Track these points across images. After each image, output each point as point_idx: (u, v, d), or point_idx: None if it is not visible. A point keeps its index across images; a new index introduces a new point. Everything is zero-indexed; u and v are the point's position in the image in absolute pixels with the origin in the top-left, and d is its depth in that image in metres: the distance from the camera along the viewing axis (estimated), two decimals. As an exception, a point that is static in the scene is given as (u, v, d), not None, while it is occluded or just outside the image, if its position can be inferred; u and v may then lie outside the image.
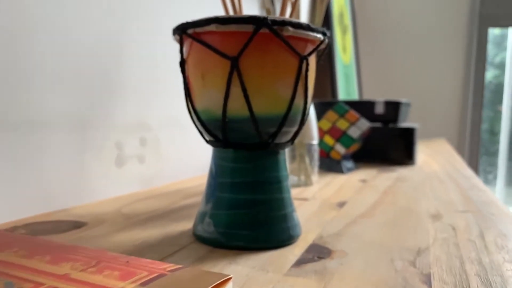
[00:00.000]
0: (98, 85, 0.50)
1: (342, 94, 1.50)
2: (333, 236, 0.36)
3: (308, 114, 0.35)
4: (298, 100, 0.32)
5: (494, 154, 2.06)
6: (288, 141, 0.34)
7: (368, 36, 1.97)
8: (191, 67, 0.32)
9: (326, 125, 0.79)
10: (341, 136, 0.77)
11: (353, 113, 0.78)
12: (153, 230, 0.37)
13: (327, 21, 1.47)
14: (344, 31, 1.67)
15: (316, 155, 0.64)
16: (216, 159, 0.34)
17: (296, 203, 0.49)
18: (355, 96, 1.70)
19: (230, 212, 0.32)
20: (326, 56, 1.61)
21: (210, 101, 0.31)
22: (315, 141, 0.63)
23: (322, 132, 0.79)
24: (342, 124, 0.78)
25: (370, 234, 0.37)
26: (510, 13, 1.86)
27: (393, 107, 0.92)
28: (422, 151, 1.19)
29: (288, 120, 0.32)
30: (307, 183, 0.62)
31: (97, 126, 0.51)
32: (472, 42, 1.86)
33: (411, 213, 0.45)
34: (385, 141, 0.90)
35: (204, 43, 0.30)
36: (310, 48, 0.32)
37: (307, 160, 0.62)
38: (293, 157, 0.62)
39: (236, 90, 0.30)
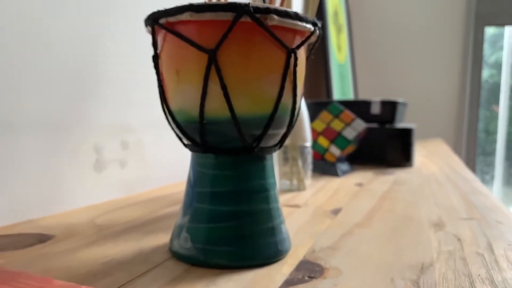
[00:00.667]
0: (73, 83, 0.46)
1: (337, 94, 1.46)
2: (326, 251, 0.32)
3: (297, 114, 0.31)
4: (286, 99, 0.28)
5: (491, 154, 2.03)
6: (275, 145, 0.31)
7: (363, 35, 1.94)
8: (164, 62, 0.28)
9: (320, 126, 0.75)
10: (336, 138, 0.73)
11: (348, 114, 0.74)
12: (126, 245, 0.33)
13: (321, 20, 1.43)
14: (339, 30, 1.64)
15: (309, 158, 0.60)
16: (195, 165, 0.30)
17: (287, 211, 0.45)
18: (350, 96, 1.67)
19: (209, 226, 0.29)
20: (321, 55, 1.58)
21: (186, 101, 0.28)
22: (308, 143, 0.60)
23: (316, 134, 0.75)
24: (337, 125, 0.74)
25: (367, 247, 0.33)
26: (506, 11, 1.84)
27: (390, 107, 0.89)
28: (419, 152, 1.16)
29: (274, 121, 0.28)
30: (300, 187, 0.59)
31: (72, 128, 0.47)
32: (469, 41, 1.83)
33: (411, 221, 0.42)
34: (382, 142, 0.86)
35: (178, 34, 0.27)
36: (298, 40, 0.28)
37: (299, 163, 0.59)
38: (285, 160, 0.59)
39: (214, 87, 0.26)
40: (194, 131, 0.28)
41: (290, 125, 0.30)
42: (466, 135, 1.85)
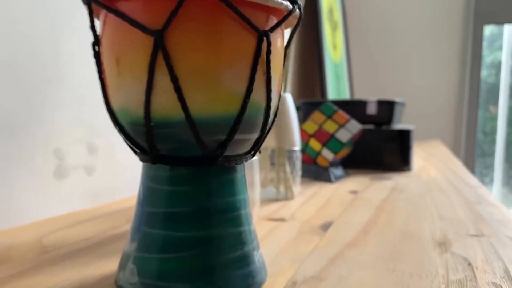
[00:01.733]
0: (30, 81, 0.40)
1: (332, 94, 1.41)
2: (310, 282, 0.26)
3: (274, 114, 0.26)
4: (257, 95, 0.22)
5: (490, 155, 1.98)
6: (246, 153, 0.25)
7: (360, 33, 1.89)
8: (104, 50, 0.23)
9: (312, 127, 0.69)
10: (329, 140, 0.68)
11: (342, 114, 0.69)
12: (67, 273, 0.27)
13: (315, 17, 1.38)
14: (334, 28, 1.58)
15: (298, 163, 0.54)
16: (145, 179, 0.24)
17: (269, 226, 0.39)
18: (346, 97, 1.61)
19: (162, 257, 0.23)
20: (315, 54, 1.53)
21: (128, 97, 0.22)
22: (297, 147, 0.54)
23: (307, 136, 0.70)
24: (329, 127, 0.68)
25: (360, 276, 0.27)
26: (506, 9, 1.79)
27: (387, 107, 0.83)
28: (418, 154, 1.10)
29: (243, 123, 0.22)
30: (288, 196, 0.53)
31: (30, 130, 0.41)
32: (468, 39, 1.78)
33: (412, 239, 0.36)
34: (378, 145, 0.81)
35: (116, 12, 0.21)
36: (273, 21, 0.23)
37: (287, 169, 0.53)
38: (271, 166, 0.53)
39: (163, 80, 0.21)
40: (141, 136, 0.22)
41: (265, 128, 0.24)
42: (465, 136, 1.80)
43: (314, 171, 0.70)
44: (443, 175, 0.75)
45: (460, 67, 1.80)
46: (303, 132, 0.70)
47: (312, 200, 0.52)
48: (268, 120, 0.24)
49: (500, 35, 1.94)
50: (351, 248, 0.33)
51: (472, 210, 0.47)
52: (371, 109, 0.84)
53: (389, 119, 0.83)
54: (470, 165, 1.81)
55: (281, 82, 0.26)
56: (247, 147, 0.24)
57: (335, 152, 0.67)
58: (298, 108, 0.99)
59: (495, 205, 0.50)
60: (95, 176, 0.50)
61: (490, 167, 1.99)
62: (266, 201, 0.51)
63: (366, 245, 0.34)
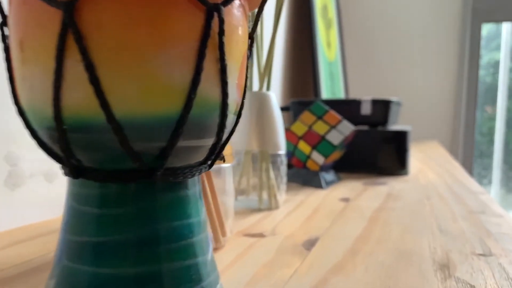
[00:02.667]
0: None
1: (326, 93, 1.36)
2: (283, 323, 0.21)
3: (238, 114, 0.20)
4: (208, 89, 0.17)
5: (487, 156, 1.94)
6: (200, 163, 0.20)
7: (355, 30, 1.84)
8: (10, 31, 0.17)
9: (301, 129, 0.64)
10: (319, 143, 0.62)
11: (333, 114, 0.64)
12: (-16, 312, 0.22)
13: (308, 14, 1.33)
14: (328, 26, 1.53)
15: (283, 169, 0.49)
16: (69, 198, 0.19)
17: (245, 244, 0.34)
18: (341, 96, 1.56)
19: (84, 299, 0.18)
20: (308, 53, 1.48)
21: (34, 92, 0.16)
22: (282, 151, 0.49)
23: (296, 138, 0.64)
24: (320, 128, 0.63)
25: (347, 313, 0.22)
26: (504, 7, 1.74)
27: (382, 107, 0.78)
28: (415, 156, 1.06)
29: (189, 126, 0.17)
30: (272, 205, 0.48)
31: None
32: (465, 38, 1.74)
33: (408, 260, 0.31)
34: (373, 147, 0.75)
35: (14, -22, 0.16)
36: (228, -8, 0.17)
37: (271, 175, 0.48)
38: (253, 171, 0.48)
39: (75, 68, 0.15)
40: (56, 143, 0.17)
41: (222, 132, 0.19)
42: (463, 137, 1.75)
43: (304, 175, 0.65)
44: (442, 179, 0.70)
45: (458, 66, 1.75)
46: (291, 134, 0.65)
47: (298, 210, 0.47)
48: (225, 122, 0.18)
49: (497, 35, 1.90)
50: (336, 273, 0.28)
51: (476, 222, 0.42)
52: (366, 109, 0.79)
53: (384, 120, 0.78)
54: (468, 167, 1.76)
55: (245, 75, 0.20)
56: (199, 156, 0.19)
57: (325, 155, 0.62)
58: (288, 108, 0.94)
59: (501, 215, 0.45)
60: (56, 183, 0.44)
61: (488, 168, 1.95)
62: (247, 211, 0.46)
63: (354, 268, 0.29)
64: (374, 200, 0.53)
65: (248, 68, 0.19)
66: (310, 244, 0.34)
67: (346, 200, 0.53)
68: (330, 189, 0.61)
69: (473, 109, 1.74)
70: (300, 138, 0.64)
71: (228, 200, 0.35)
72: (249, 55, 0.21)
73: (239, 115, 0.21)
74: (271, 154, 0.48)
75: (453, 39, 1.75)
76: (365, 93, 1.82)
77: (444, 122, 1.77)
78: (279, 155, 0.48)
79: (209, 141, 0.19)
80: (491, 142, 1.94)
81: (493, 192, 1.95)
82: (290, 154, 0.66)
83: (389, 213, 0.45)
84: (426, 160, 0.98)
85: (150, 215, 0.18)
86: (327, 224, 0.41)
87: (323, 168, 0.64)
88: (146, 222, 0.18)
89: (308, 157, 0.63)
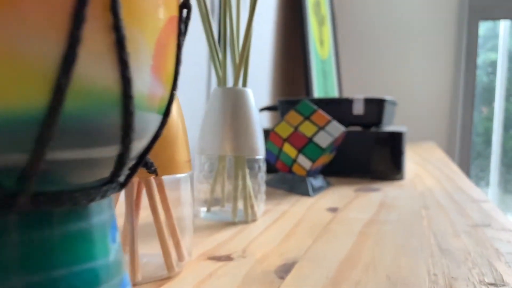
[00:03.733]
0: None
1: (319, 92, 1.30)
2: None
3: (165, 112, 0.14)
4: (94, 70, 0.11)
5: (484, 157, 1.89)
6: (101, 185, 0.14)
7: (349, 27, 1.78)
8: None
9: (286, 130, 0.58)
10: (306, 145, 0.57)
11: (322, 114, 0.58)
12: None
13: (300, 10, 1.27)
14: (321, 22, 1.47)
15: (262, 175, 0.43)
16: None
17: (205, 271, 0.28)
18: (334, 95, 1.51)
19: None
20: (300, 50, 1.42)
21: None
22: (261, 155, 0.43)
23: (280, 140, 0.59)
24: (307, 129, 0.57)
25: None
26: (501, 5, 1.70)
27: (375, 106, 0.72)
28: (410, 159, 1.00)
29: (65, 128, 0.11)
30: (248, 218, 0.42)
31: None
32: (462, 36, 1.69)
33: (406, 292, 0.25)
34: (366, 150, 0.70)
35: None
36: None
37: (248, 183, 0.42)
38: (228, 179, 0.42)
39: None
40: None
41: (129, 137, 0.13)
42: (460, 137, 1.70)
43: (290, 181, 0.59)
44: (440, 185, 0.64)
45: (455, 65, 1.70)
46: (276, 135, 0.59)
47: (278, 223, 0.41)
48: (132, 123, 0.12)
49: (494, 35, 1.86)
50: (313, 314, 0.22)
51: (482, 239, 0.36)
52: (358, 109, 0.73)
53: (378, 120, 0.72)
54: (465, 168, 1.71)
55: (176, 56, 0.14)
56: (99, 172, 0.13)
57: (313, 159, 0.56)
58: (275, 108, 0.88)
59: (510, 229, 0.39)
60: None
61: (485, 170, 1.90)
62: (218, 225, 0.40)
63: (336, 307, 0.23)
64: (365, 210, 0.47)
65: (181, 47, 0.13)
66: (285, 270, 0.28)
67: (334, 210, 0.47)
68: (317, 196, 0.55)
69: (470, 109, 1.69)
70: (285, 140, 0.58)
71: (184, 212, 0.29)
72: (183, 30, 0.15)
73: (166, 114, 0.15)
74: (247, 159, 0.42)
75: (449, 36, 1.70)
76: (360, 92, 1.77)
77: (441, 122, 1.72)
78: (256, 160, 0.42)
79: (110, 151, 0.13)
80: (488, 143, 1.89)
81: (491, 193, 1.90)
82: (275, 158, 0.60)
83: (382, 227, 0.40)
84: (423, 163, 0.93)
85: (32, 258, 0.12)
86: (309, 242, 0.35)
87: (311, 173, 0.58)
88: (29, 271, 0.12)
89: (294, 161, 0.58)
